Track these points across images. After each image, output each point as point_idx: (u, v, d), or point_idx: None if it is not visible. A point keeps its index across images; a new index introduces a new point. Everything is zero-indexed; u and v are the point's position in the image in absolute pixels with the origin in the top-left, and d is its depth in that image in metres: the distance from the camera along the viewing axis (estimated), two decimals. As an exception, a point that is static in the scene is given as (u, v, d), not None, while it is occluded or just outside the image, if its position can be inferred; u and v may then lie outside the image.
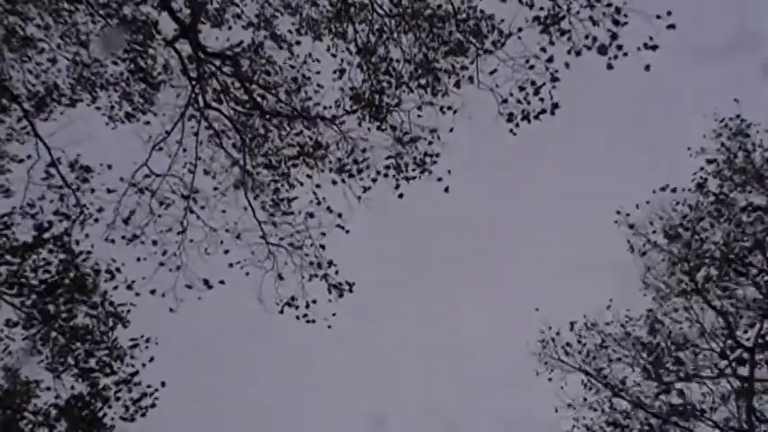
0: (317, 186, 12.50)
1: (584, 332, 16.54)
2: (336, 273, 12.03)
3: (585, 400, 16.25)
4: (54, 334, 13.81)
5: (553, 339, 16.69)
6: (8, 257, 13.41)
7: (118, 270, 12.84)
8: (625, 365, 16.26)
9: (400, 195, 11.82)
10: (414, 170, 12.41)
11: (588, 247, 17.39)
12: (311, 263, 12.08)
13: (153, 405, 12.20)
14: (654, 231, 15.88)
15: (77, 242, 12.78)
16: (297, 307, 11.98)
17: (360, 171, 12.38)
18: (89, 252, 12.57)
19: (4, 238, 13.31)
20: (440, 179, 11.59)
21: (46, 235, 13.25)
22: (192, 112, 13.02)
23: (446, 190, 11.59)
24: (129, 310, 13.72)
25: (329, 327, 11.94)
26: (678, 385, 15.72)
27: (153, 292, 11.65)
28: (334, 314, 11.99)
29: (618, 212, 16.09)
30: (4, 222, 13.39)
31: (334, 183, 12.32)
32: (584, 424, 16.13)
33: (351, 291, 12.07)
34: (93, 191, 13.07)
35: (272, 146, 13.17)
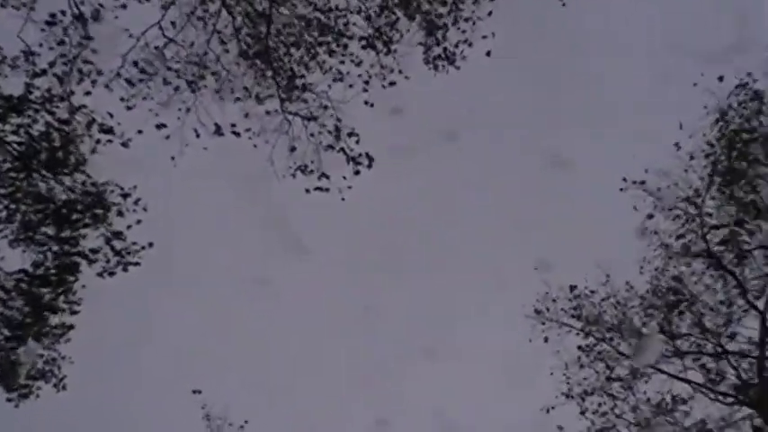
0: (341, 63, 11.79)
1: (583, 300, 15.79)
2: (357, 143, 11.17)
3: (582, 366, 15.30)
4: (23, 210, 12.43)
5: (547, 308, 15.88)
6: (-13, 112, 12.15)
7: (111, 130, 11.71)
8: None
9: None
10: (443, 60, 11.94)
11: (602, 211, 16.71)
12: (329, 131, 11.21)
13: (137, 263, 10.84)
14: (660, 198, 15.46)
15: (72, 93, 11.61)
16: (311, 172, 11.02)
17: (389, 46, 11.81)
18: (87, 94, 11.28)
19: (-13, 90, 12.09)
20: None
21: (36, 93, 12.10)
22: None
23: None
24: (112, 191, 12.58)
25: (343, 199, 10.98)
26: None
27: (159, 126, 10.53)
28: (349, 187, 11.06)
29: (624, 179, 15.66)
30: (-10, 73, 12.18)
31: (364, 47, 11.61)
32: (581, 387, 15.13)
33: (370, 166, 11.19)
34: (94, 51, 12.06)
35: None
